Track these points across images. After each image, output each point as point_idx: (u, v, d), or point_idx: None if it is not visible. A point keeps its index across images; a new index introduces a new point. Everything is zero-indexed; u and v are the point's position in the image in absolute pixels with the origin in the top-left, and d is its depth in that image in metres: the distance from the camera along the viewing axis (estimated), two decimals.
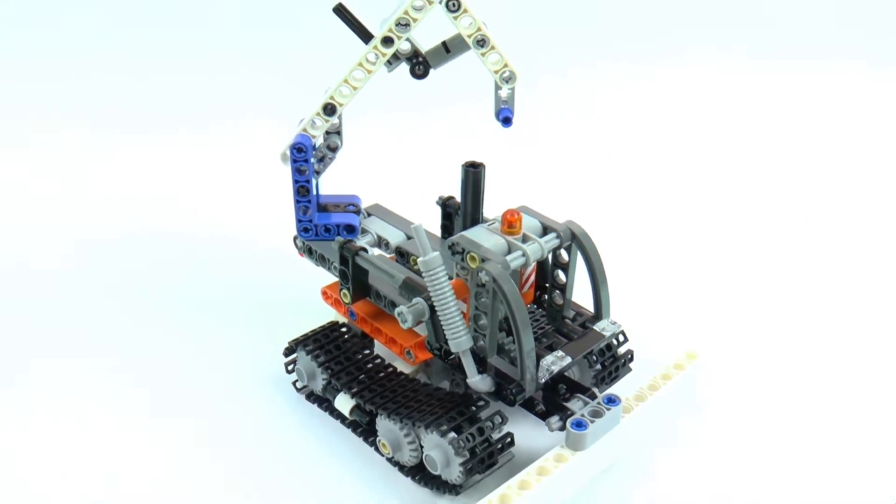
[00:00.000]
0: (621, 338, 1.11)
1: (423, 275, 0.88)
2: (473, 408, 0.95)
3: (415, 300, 0.93)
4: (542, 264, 1.04)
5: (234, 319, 1.31)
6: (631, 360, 1.12)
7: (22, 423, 1.12)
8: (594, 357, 1.07)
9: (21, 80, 2.05)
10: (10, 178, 1.83)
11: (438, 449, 0.92)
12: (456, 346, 0.89)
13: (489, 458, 0.94)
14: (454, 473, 0.92)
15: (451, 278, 0.93)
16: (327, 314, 1.19)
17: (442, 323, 0.90)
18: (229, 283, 1.42)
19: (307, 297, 1.31)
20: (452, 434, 0.91)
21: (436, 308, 0.91)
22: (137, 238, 1.59)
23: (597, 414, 0.92)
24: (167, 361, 1.24)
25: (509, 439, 0.97)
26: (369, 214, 1.16)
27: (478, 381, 0.93)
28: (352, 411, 1.02)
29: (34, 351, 1.27)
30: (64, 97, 2.04)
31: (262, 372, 1.17)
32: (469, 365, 0.91)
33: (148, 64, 2.09)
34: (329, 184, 1.12)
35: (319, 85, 1.21)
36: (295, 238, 1.13)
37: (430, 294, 0.89)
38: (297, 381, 1.11)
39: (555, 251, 1.01)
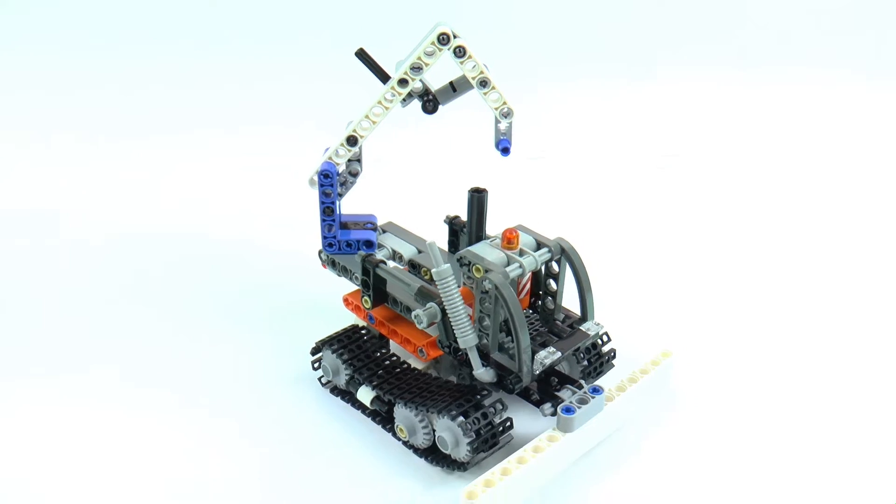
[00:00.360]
0: (605, 338, 1.18)
1: (437, 283, 0.97)
2: (478, 396, 1.03)
3: (429, 305, 1.03)
4: (536, 274, 1.12)
5: (252, 323, 1.35)
6: (613, 357, 1.19)
7: (51, 421, 1.14)
8: (581, 354, 1.14)
9: (54, 84, 2.11)
10: (47, 181, 1.87)
11: (449, 431, 1.00)
12: (464, 343, 0.99)
13: (492, 438, 1.02)
14: (462, 452, 1.00)
15: (459, 286, 1.00)
16: (336, 317, 1.25)
17: (452, 323, 0.99)
18: (246, 289, 1.46)
19: (318, 301, 1.39)
20: (461, 418, 0.99)
21: (447, 311, 0.99)
22: (159, 243, 1.63)
23: (583, 401, 1.00)
24: (194, 362, 1.27)
25: (509, 423, 1.04)
26: (384, 231, 1.23)
27: (482, 373, 1.01)
28: (372, 402, 1.10)
29: (63, 352, 1.29)
30: (95, 103, 2.09)
31: (286, 370, 1.23)
32: (475, 359, 1.00)
33: (175, 71, 2.14)
34: (349, 204, 1.18)
35: (338, 95, 1.29)
36: (320, 252, 1.21)
37: (442, 299, 0.98)
38: (322, 376, 1.18)
39: (547, 263, 1.08)
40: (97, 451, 1.09)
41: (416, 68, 1.03)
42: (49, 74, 2.15)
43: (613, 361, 1.20)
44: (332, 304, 1.32)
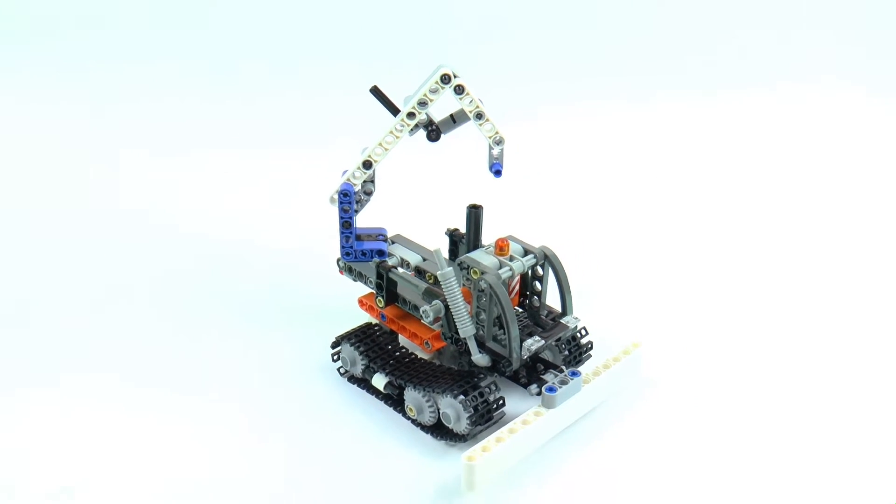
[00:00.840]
0: (584, 331, 1.25)
1: (441, 283, 1.08)
2: (475, 379, 1.12)
3: (434, 302, 1.13)
4: (523, 276, 1.19)
5: (272, 324, 1.42)
6: (591, 348, 1.27)
7: (87, 414, 1.19)
8: (563, 344, 1.22)
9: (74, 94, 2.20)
10: (75, 186, 1.94)
11: (451, 408, 1.09)
12: (464, 333, 1.10)
13: (487, 413, 1.11)
14: (463, 426, 1.09)
15: (460, 286, 1.09)
16: (345, 317, 1.34)
17: (454, 317, 1.10)
18: (265, 295, 1.51)
19: (327, 305, 1.46)
20: (461, 396, 1.08)
21: (450, 307, 1.09)
22: (188, 247, 1.69)
23: (564, 382, 1.10)
24: (221, 358, 1.33)
25: (501, 401, 1.12)
26: (393, 242, 1.31)
27: (479, 358, 1.12)
28: (385, 387, 1.19)
29: (98, 350, 1.35)
30: (111, 110, 2.18)
31: (306, 363, 1.31)
32: (473, 346, 1.11)
33: (205, 88, 2.23)
34: (363, 218, 1.26)
35: (348, 110, 1.41)
36: (338, 260, 1.29)
37: (446, 297, 1.09)
38: (341, 367, 1.27)
39: (533, 267, 1.17)
40: (133, 443, 1.14)
41: (422, 103, 1.13)
42: (63, 84, 2.23)
43: (591, 352, 1.28)
44: (339, 307, 1.42)
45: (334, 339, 1.27)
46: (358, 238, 1.25)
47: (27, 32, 2.25)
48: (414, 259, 1.28)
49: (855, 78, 2.43)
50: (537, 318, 1.20)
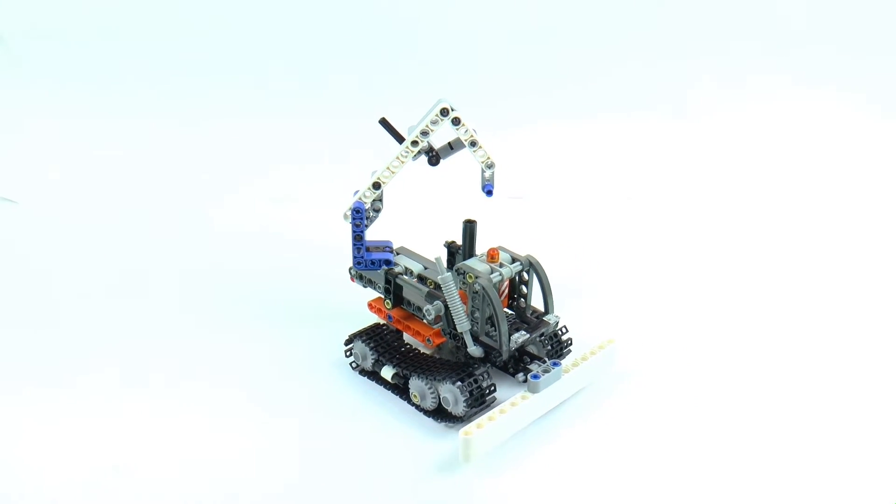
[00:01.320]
0: (564, 329, 1.34)
1: (442, 286, 1.19)
2: (471, 368, 1.21)
3: (436, 303, 1.22)
4: (511, 280, 1.27)
5: (285, 326, 1.50)
6: (571, 344, 1.37)
7: (103, 408, 1.26)
8: (546, 339, 1.31)
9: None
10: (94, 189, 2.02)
11: (450, 393, 1.19)
12: (460, 327, 1.19)
13: (481, 398, 1.21)
14: (460, 409, 1.19)
15: (457, 289, 1.18)
16: (353, 318, 1.42)
17: (452, 315, 1.19)
18: (283, 297, 1.60)
19: (338, 307, 1.54)
20: (459, 383, 1.18)
21: (448, 306, 1.19)
22: (207, 251, 1.78)
23: (547, 371, 1.19)
24: (242, 352, 1.40)
25: (493, 387, 1.22)
26: (398, 253, 1.38)
27: (474, 350, 1.20)
28: (392, 377, 1.28)
29: (115, 349, 1.41)
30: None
31: (320, 360, 1.40)
32: (468, 340, 1.20)
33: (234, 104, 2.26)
34: (371, 232, 1.32)
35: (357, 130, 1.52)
36: (350, 268, 1.38)
37: (445, 298, 1.19)
38: (353, 361, 1.36)
39: (519, 273, 1.25)
40: (169, 440, 1.21)
41: (424, 133, 1.21)
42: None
43: (570, 347, 1.37)
44: (346, 310, 1.51)
45: (347, 337, 1.37)
46: (367, 249, 1.31)
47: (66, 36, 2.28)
48: (416, 267, 1.35)
49: (854, 78, 2.35)
50: (523, 317, 1.28)
